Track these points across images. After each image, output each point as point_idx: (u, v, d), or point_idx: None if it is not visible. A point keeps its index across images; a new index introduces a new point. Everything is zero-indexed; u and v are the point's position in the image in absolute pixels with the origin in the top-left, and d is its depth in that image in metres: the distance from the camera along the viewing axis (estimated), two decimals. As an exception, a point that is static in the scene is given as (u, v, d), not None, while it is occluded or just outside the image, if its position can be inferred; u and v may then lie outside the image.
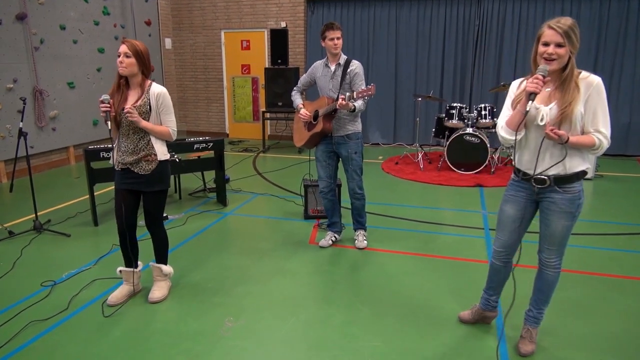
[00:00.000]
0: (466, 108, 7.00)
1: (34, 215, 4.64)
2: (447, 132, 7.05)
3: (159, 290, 3.30)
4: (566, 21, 2.21)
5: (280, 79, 8.24)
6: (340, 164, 4.16)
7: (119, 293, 3.27)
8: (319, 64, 4.05)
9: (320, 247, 4.20)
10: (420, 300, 3.30)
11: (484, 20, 8.14)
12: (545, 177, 2.39)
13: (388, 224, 4.79)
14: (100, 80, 7.69)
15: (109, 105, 2.95)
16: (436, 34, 8.43)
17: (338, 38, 3.80)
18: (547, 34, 2.23)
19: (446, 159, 6.75)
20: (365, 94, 3.62)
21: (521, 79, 2.50)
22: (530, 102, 2.26)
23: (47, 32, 6.87)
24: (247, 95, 9.68)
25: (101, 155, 4.59)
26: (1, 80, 6.25)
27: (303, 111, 4.03)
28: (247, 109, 9.73)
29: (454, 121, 6.87)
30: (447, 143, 6.70)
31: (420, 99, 7.30)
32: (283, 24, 9.02)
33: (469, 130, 6.56)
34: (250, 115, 9.74)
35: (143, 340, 2.84)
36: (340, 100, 3.61)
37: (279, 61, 8.29)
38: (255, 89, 9.58)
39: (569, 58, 2.25)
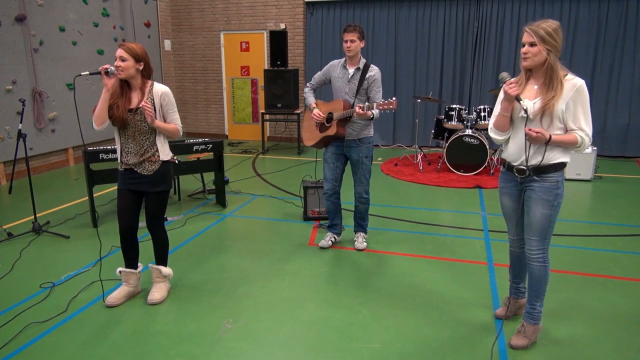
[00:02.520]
0: (465, 109, 7.01)
1: (33, 216, 4.64)
2: (446, 134, 7.05)
3: (158, 292, 3.30)
4: (547, 25, 2.43)
5: (280, 80, 8.24)
6: (347, 167, 4.15)
7: (118, 294, 3.27)
8: (336, 63, 3.97)
9: (320, 247, 4.20)
10: (419, 301, 3.30)
11: (483, 22, 8.15)
12: (524, 167, 2.58)
13: (387, 226, 4.79)
14: (99, 82, 7.66)
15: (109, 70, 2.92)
16: (435, 35, 8.43)
17: (352, 40, 3.74)
18: (524, 35, 2.50)
19: (445, 160, 6.75)
20: (386, 107, 3.55)
21: (515, 78, 2.65)
22: (521, 101, 2.50)
23: (46, 34, 6.87)
24: (246, 97, 9.68)
25: (100, 156, 4.58)
26: (0, 81, 6.25)
27: (316, 111, 3.95)
28: (247, 111, 9.74)
29: (453, 122, 6.87)
30: (447, 144, 6.70)
31: (419, 100, 7.31)
32: (282, 26, 9.03)
33: (468, 131, 6.56)
34: (250, 117, 9.74)
35: (142, 342, 2.84)
36: (357, 109, 3.60)
37: (278, 63, 8.30)
38: (254, 91, 9.58)
39: (547, 56, 2.45)
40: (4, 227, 4.69)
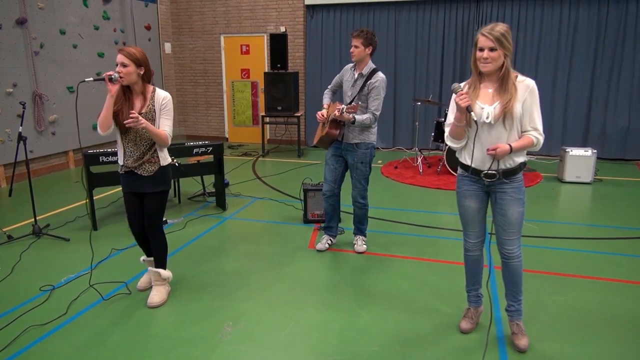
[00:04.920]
0: (465, 112, 7.00)
1: (33, 219, 4.64)
2: (446, 136, 7.05)
3: (158, 295, 3.30)
4: (500, 28, 2.47)
5: (280, 83, 8.25)
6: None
7: (146, 278, 3.50)
8: (348, 67, 4.04)
9: (317, 250, 4.20)
10: (419, 304, 3.30)
11: (483, 25, 8.11)
12: (495, 172, 2.60)
13: (387, 228, 4.79)
14: (99, 84, 7.70)
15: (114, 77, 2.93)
16: (435, 38, 8.45)
17: (356, 46, 3.78)
18: (481, 40, 2.50)
19: (445, 163, 6.75)
20: (351, 110, 3.63)
21: (465, 82, 2.69)
22: (471, 113, 2.50)
23: (47, 37, 6.89)
24: (246, 100, 9.69)
25: (100, 159, 4.59)
26: (1, 84, 6.26)
27: (320, 112, 4.02)
28: (247, 113, 9.75)
29: (453, 125, 6.86)
30: (446, 147, 6.71)
31: (419, 103, 7.32)
32: (282, 29, 9.04)
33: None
34: (250, 120, 9.75)
35: (141, 345, 2.84)
36: (336, 112, 3.65)
37: (279, 65, 8.31)
38: (254, 93, 9.59)
39: (504, 60, 2.49)
40: (4, 229, 4.69)
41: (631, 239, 4.46)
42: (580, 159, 6.33)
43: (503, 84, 2.52)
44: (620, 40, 7.57)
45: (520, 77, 2.56)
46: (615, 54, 7.61)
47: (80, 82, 3.15)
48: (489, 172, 2.60)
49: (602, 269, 3.83)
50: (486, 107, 2.55)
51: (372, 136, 3.95)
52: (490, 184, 2.66)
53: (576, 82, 7.80)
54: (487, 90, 2.59)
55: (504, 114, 2.51)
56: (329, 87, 4.23)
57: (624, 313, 3.16)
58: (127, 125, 2.94)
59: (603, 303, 3.29)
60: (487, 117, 2.54)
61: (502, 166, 2.59)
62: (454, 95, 2.61)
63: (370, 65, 3.87)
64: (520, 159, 2.62)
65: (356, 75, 3.88)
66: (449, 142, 2.76)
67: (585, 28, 7.68)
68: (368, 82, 3.81)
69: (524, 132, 2.57)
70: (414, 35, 8.53)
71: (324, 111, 4.02)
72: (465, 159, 2.71)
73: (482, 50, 2.49)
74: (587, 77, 7.74)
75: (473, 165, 2.65)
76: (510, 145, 2.52)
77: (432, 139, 7.38)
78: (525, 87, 2.53)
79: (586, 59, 7.73)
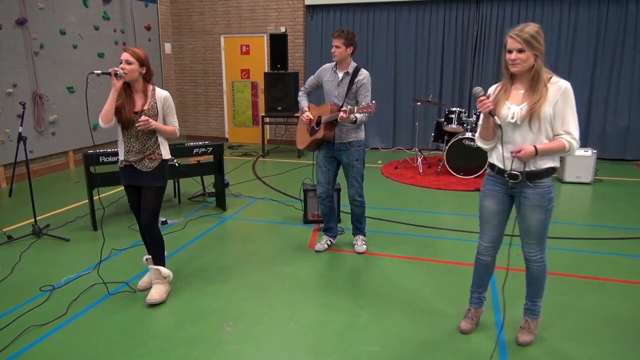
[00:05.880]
0: (465, 112, 7.01)
1: (33, 219, 4.64)
2: (446, 137, 7.05)
3: (157, 293, 3.31)
4: (530, 29, 2.43)
5: (280, 83, 8.26)
6: (341, 170, 4.16)
7: (147, 278, 3.50)
8: (327, 67, 4.01)
9: (316, 251, 4.20)
10: (419, 304, 3.30)
11: (483, 25, 8.16)
12: (518, 173, 2.54)
13: (387, 229, 4.80)
14: (100, 85, 7.70)
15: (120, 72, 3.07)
16: (435, 38, 8.45)
17: (337, 47, 3.77)
18: (509, 42, 2.48)
19: (445, 163, 6.75)
20: (365, 110, 3.59)
21: (497, 84, 2.68)
22: (494, 117, 2.52)
23: (47, 37, 6.89)
24: (246, 100, 9.69)
25: (100, 159, 4.59)
26: (1, 84, 6.26)
27: (306, 114, 4.00)
28: (247, 114, 9.75)
29: (453, 125, 6.87)
30: (447, 147, 6.71)
31: (419, 103, 7.31)
32: (282, 29, 9.05)
33: (468, 134, 6.56)
34: (250, 120, 9.75)
35: (142, 345, 2.84)
36: (342, 113, 3.63)
37: (279, 66, 8.31)
38: (254, 94, 9.59)
39: (535, 61, 2.46)
40: (4, 229, 4.69)
41: (631, 239, 4.46)
42: (580, 159, 6.34)
43: (533, 85, 2.48)
44: (620, 40, 7.57)
45: (555, 79, 2.49)
46: (615, 54, 7.62)
47: (90, 74, 3.26)
48: (513, 172, 2.55)
49: (602, 269, 3.83)
50: (513, 107, 2.52)
51: (362, 133, 3.98)
52: (513, 186, 2.61)
53: (576, 82, 7.77)
54: (518, 92, 2.55)
55: (530, 114, 2.46)
56: (303, 88, 4.18)
57: (623, 313, 3.16)
58: (138, 128, 3.11)
59: (603, 303, 3.29)
60: (513, 117, 2.51)
61: (526, 168, 2.54)
62: (489, 90, 2.59)
63: (353, 63, 3.88)
64: (547, 163, 2.52)
65: (341, 75, 3.87)
66: (479, 142, 2.74)
67: (585, 28, 7.68)
68: (356, 80, 3.81)
69: (556, 135, 2.49)
70: (414, 35, 8.53)
71: (308, 113, 4.00)
72: (492, 158, 2.70)
73: (510, 52, 2.46)
74: (587, 77, 7.74)
75: (500, 166, 2.63)
76: (536, 147, 2.46)
77: (432, 139, 7.39)
78: (558, 88, 2.46)
79: (586, 59, 7.73)
